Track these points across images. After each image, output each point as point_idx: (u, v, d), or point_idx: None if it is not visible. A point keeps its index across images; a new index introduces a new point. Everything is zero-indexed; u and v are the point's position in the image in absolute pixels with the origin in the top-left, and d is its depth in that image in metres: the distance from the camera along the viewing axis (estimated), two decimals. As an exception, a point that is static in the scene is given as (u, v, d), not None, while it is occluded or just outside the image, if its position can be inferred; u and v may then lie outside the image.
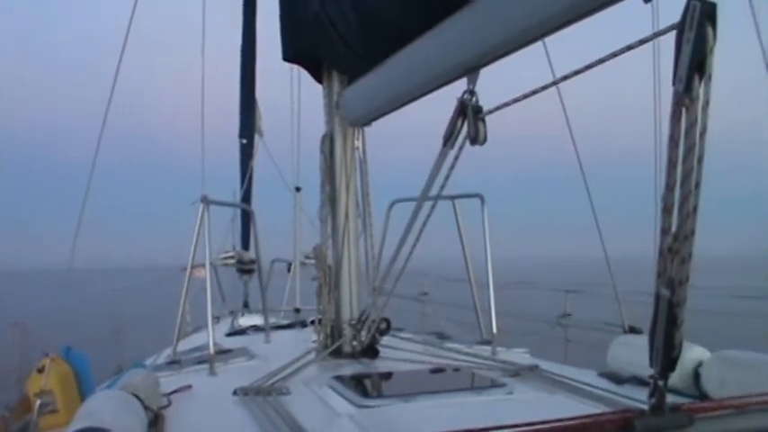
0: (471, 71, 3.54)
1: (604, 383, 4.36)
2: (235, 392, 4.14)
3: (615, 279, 5.69)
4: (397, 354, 5.19)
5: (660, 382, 2.44)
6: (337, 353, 5.41)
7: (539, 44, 3.30)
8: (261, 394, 4.11)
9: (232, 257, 11.21)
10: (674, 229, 2.30)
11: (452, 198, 6.04)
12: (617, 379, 4.45)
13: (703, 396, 4.06)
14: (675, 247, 2.29)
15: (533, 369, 4.57)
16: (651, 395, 2.47)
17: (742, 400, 3.01)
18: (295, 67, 6.58)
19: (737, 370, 4.13)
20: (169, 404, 4.06)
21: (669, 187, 2.30)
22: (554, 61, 4.85)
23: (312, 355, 5.21)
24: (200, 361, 5.37)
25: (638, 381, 4.30)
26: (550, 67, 4.88)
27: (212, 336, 5.30)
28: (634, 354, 4.28)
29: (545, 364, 4.84)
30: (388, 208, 6.44)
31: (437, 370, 4.70)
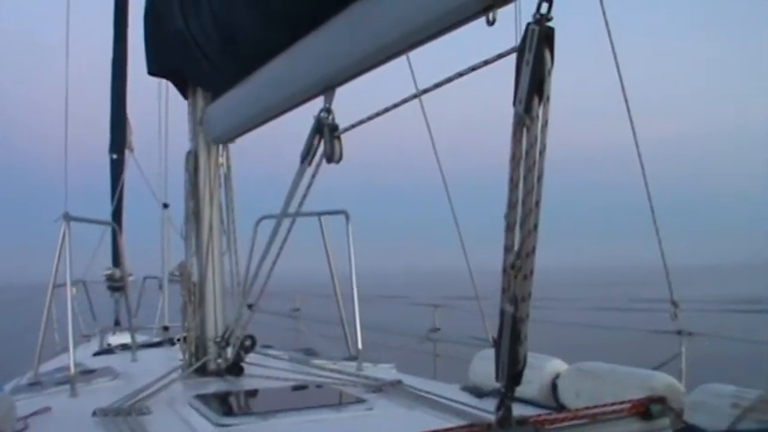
0: (327, 90, 3.52)
1: (466, 397, 4.37)
2: (94, 414, 4.00)
3: (479, 292, 5.75)
4: (263, 371, 5.11)
5: (507, 396, 2.45)
6: (202, 371, 5.31)
7: (403, 61, 3.31)
8: (121, 415, 3.98)
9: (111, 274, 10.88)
10: (516, 246, 2.32)
11: (318, 215, 6.02)
12: (478, 393, 4.48)
13: (561, 407, 4.12)
14: (518, 264, 2.31)
15: (396, 384, 4.56)
16: (498, 409, 2.48)
17: (593, 410, 3.08)
18: (164, 81, 6.45)
19: (592, 381, 4.22)
20: (25, 428, 3.88)
21: (511, 205, 2.32)
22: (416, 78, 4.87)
23: (176, 374, 5.08)
24: (61, 382, 5.17)
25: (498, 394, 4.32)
26: (414, 83, 4.92)
27: (73, 355, 5.11)
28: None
29: (409, 380, 4.83)
30: (256, 224, 6.36)
31: (299, 387, 4.66)
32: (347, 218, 5.92)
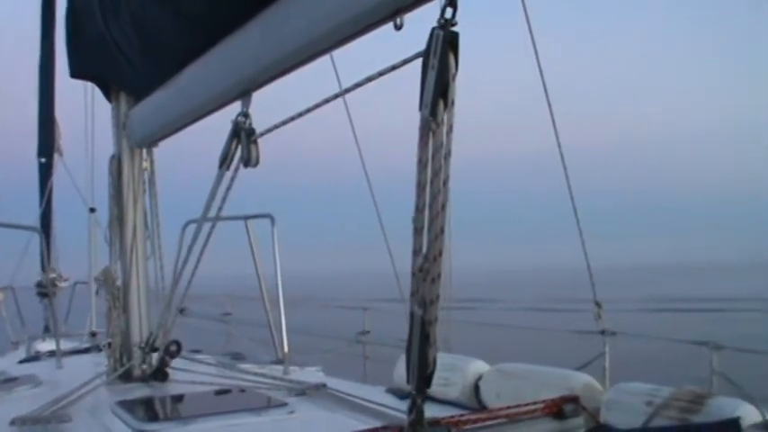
0: (244, 94, 3.51)
1: (389, 400, 4.39)
2: (12, 422, 3.92)
3: (405, 294, 5.76)
4: (189, 376, 5.06)
5: (418, 399, 2.45)
6: (127, 377, 5.24)
7: (328, 65, 3.29)
8: (40, 423, 3.92)
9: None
10: (424, 249, 2.33)
11: (244, 218, 6.00)
12: (402, 395, 4.49)
13: (483, 408, 4.15)
14: (426, 267, 2.32)
15: (320, 388, 4.55)
16: (410, 411, 2.48)
17: (507, 410, 3.11)
18: (89, 83, 6.36)
19: (512, 382, 4.27)
20: None
21: (419, 209, 2.32)
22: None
23: (100, 380, 5.01)
24: None
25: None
26: (339, 84, 4.93)
27: None
28: None
29: (335, 382, 4.83)
30: (183, 228, 6.30)
31: (222, 391, 4.63)
32: (272, 221, 5.91)
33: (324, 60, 5.06)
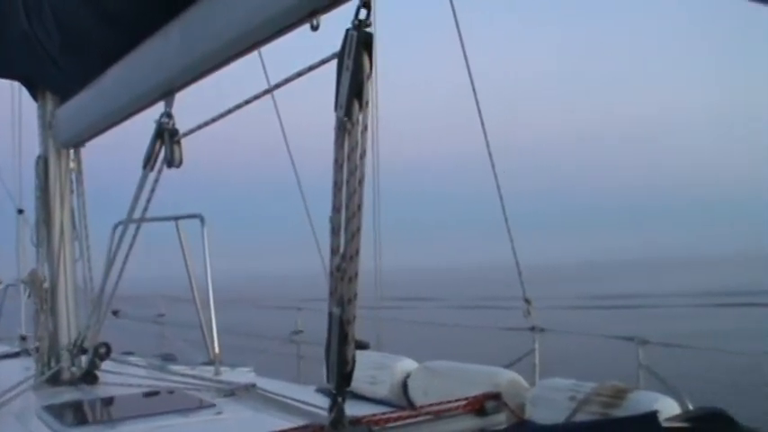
0: (167, 94, 3.47)
1: (319, 399, 4.38)
2: None
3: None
4: (118, 378, 4.99)
5: (338, 397, 2.45)
6: (55, 380, 5.14)
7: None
8: None
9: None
10: (341, 249, 2.32)
11: (174, 219, 5.93)
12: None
13: (411, 406, 4.16)
14: (343, 266, 2.32)
15: (250, 388, 4.52)
16: (331, 410, 2.48)
17: (429, 408, 3.12)
18: (16, 83, 6.22)
19: (440, 379, 4.30)
20: None
21: (336, 209, 2.32)
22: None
23: (27, 385, 4.91)
24: None
25: (353, 395, 4.34)
26: (267, 78, 4.90)
27: None
28: None
29: (266, 383, 4.80)
30: (113, 230, 6.21)
31: (151, 393, 4.57)
32: (202, 221, 5.85)
33: (254, 60, 5.07)
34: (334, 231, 2.33)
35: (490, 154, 5.53)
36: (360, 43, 2.23)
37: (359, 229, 2.29)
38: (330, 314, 2.38)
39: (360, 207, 2.29)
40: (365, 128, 2.27)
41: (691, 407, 3.80)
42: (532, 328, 5.89)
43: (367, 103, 2.26)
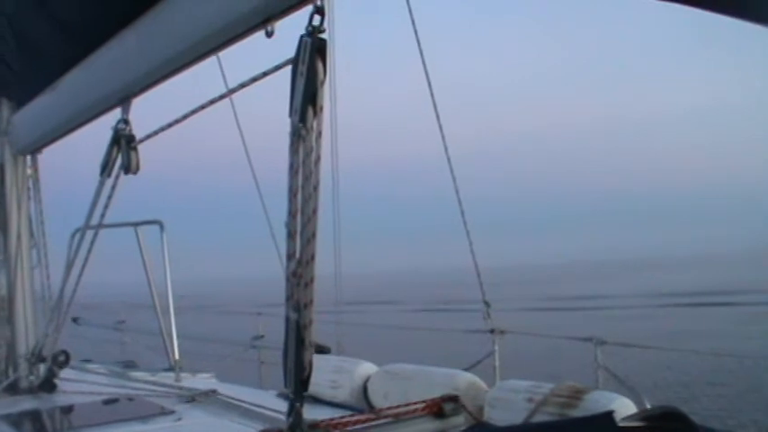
0: (123, 101, 3.44)
1: (280, 404, 4.37)
2: None
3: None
4: (78, 386, 4.93)
5: (296, 402, 2.45)
6: (13, 389, 5.07)
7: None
8: None
9: None
10: (297, 254, 2.32)
11: (134, 225, 5.87)
12: None
13: (371, 409, 4.17)
14: (299, 271, 2.31)
15: (210, 394, 4.50)
16: (289, 414, 2.48)
17: (388, 411, 3.12)
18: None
19: (399, 382, 4.32)
20: None
21: (292, 214, 2.32)
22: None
23: None
24: None
25: (314, 399, 4.35)
26: (225, 82, 4.88)
27: None
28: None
29: (226, 388, 4.78)
30: (71, 236, 6.14)
31: (110, 401, 4.53)
32: (162, 227, 5.81)
33: (215, 65, 5.06)
34: (290, 236, 2.33)
35: (448, 158, 5.58)
36: (314, 49, 2.23)
37: (314, 235, 2.29)
38: (287, 319, 2.38)
39: (315, 212, 2.29)
40: (320, 133, 2.27)
41: (648, 406, 3.85)
42: (492, 331, 5.93)
43: (321, 108, 2.26)
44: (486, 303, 6.03)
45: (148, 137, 3.37)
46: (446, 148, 5.58)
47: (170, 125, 3.14)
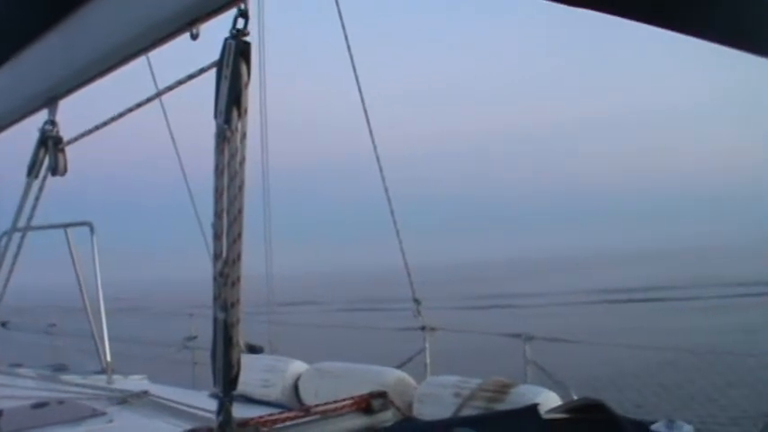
0: (50, 102, 3.41)
1: (211, 404, 4.37)
2: None
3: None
4: (7, 391, 4.87)
5: (225, 401, 2.47)
6: None
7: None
8: None
9: None
10: (224, 254, 2.34)
11: (63, 227, 5.81)
12: None
13: (302, 407, 4.20)
14: (226, 271, 2.34)
15: (142, 395, 4.49)
16: (218, 413, 2.50)
17: (318, 408, 3.16)
18: None
19: (330, 380, 4.36)
20: None
21: (217, 215, 2.34)
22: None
23: None
24: None
25: (246, 398, 4.37)
26: (155, 83, 4.85)
27: None
28: (241, 373, 4.35)
29: (159, 389, 4.77)
30: None
31: (40, 405, 4.47)
32: (91, 229, 5.75)
33: (144, 68, 5.02)
34: (217, 237, 2.35)
35: (378, 158, 5.63)
36: (237, 52, 2.26)
37: (240, 235, 2.32)
38: (215, 318, 2.40)
39: (241, 212, 2.32)
40: (244, 135, 2.30)
41: (575, 398, 3.95)
42: (423, 328, 6.00)
43: (246, 110, 2.29)
44: (417, 301, 6.11)
45: (76, 138, 3.34)
46: (375, 147, 5.64)
47: (98, 127, 3.12)
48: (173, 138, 5.79)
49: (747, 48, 1.61)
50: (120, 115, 2.98)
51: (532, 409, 3.23)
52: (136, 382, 5.36)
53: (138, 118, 3.18)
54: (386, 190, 5.77)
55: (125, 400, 4.44)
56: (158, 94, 2.76)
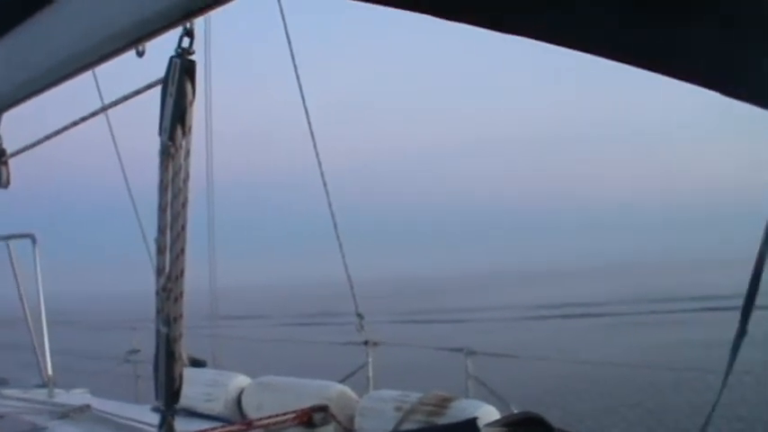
0: None
1: (153, 417, 4.34)
2: None
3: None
4: None
5: (167, 414, 2.47)
6: None
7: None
8: None
9: None
10: (167, 269, 2.35)
11: (5, 239, 5.72)
12: None
13: (244, 420, 4.19)
14: (169, 286, 2.34)
15: (84, 409, 4.44)
16: (160, 427, 2.50)
17: (259, 421, 3.17)
18: None
19: (273, 394, 4.36)
20: None
21: (161, 230, 2.35)
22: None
23: None
24: None
25: (189, 412, 4.34)
26: (101, 98, 4.82)
27: None
28: (184, 386, 4.33)
29: (101, 403, 4.72)
30: None
31: None
32: (33, 241, 5.67)
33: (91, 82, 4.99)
34: (160, 252, 2.36)
35: (322, 173, 5.67)
36: (182, 71, 2.27)
37: (183, 250, 2.33)
38: (157, 333, 2.41)
39: (184, 228, 2.33)
40: (188, 152, 2.31)
41: (515, 412, 4.01)
42: (366, 342, 6.02)
43: (190, 128, 2.30)
44: (360, 315, 6.13)
45: (20, 151, 3.31)
46: (320, 163, 5.67)
47: (42, 140, 3.10)
48: (117, 152, 5.76)
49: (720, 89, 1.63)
50: (65, 128, 2.97)
51: (472, 422, 3.28)
52: (78, 396, 5.29)
53: (84, 131, 3.19)
54: (329, 204, 5.81)
55: (66, 414, 4.39)
56: (104, 109, 2.76)
